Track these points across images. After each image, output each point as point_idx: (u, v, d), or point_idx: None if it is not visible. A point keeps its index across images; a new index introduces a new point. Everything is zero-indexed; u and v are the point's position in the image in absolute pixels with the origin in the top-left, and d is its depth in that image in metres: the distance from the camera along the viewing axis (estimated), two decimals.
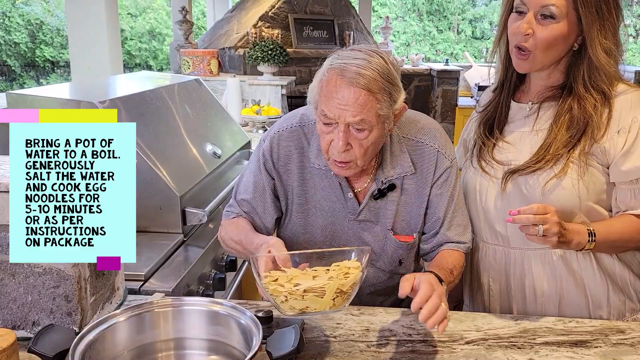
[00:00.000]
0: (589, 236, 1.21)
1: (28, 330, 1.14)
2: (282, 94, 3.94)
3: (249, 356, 0.79)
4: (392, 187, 1.31)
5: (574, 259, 1.31)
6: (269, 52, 3.88)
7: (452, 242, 1.34)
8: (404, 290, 1.06)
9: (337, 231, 1.36)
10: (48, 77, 14.27)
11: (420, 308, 1.01)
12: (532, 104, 1.35)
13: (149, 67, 14.33)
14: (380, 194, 1.31)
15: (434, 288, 1.05)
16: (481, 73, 5.74)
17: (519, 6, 1.25)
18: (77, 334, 0.83)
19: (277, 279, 1.01)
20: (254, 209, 1.40)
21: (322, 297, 0.96)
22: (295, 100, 4.09)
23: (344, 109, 1.14)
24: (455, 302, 1.59)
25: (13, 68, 13.99)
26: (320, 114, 1.19)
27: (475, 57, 13.24)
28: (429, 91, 5.39)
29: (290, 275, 1.01)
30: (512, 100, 1.39)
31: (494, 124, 1.39)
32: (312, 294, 0.96)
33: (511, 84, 1.39)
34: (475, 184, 1.38)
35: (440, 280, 1.18)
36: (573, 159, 1.25)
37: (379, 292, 1.43)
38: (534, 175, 1.28)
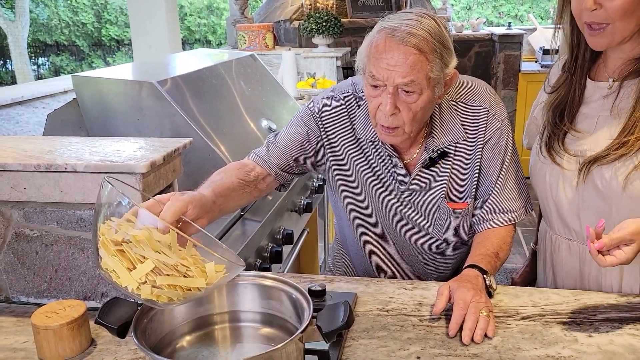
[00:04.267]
0: None
1: (97, 301, 1.22)
2: (337, 66, 3.91)
3: (298, 332, 0.81)
4: (443, 154, 1.29)
5: None
6: (324, 23, 3.84)
7: (502, 213, 1.31)
8: (438, 308, 1.09)
9: (388, 202, 1.36)
10: (114, 55, 14.80)
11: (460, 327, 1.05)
12: (612, 81, 1.19)
13: (208, 42, 14.57)
14: (432, 163, 1.29)
15: (467, 303, 1.06)
16: (546, 36, 5.46)
17: None
18: (139, 306, 0.88)
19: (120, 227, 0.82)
20: (279, 152, 1.32)
21: (130, 271, 0.79)
22: (350, 71, 4.05)
23: (393, 69, 1.12)
24: (527, 283, 1.53)
25: (82, 48, 14.59)
26: (369, 76, 1.17)
27: (541, 18, 12.57)
28: (490, 57, 5.19)
29: (144, 234, 0.80)
30: (587, 79, 1.23)
31: (564, 109, 1.24)
32: (118, 259, 0.79)
33: (584, 62, 1.22)
34: (545, 175, 1.27)
35: (484, 272, 1.17)
36: None
37: (434, 261, 1.42)
38: (612, 167, 1.14)
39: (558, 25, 1.24)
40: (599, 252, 1.00)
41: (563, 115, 1.24)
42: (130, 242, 0.80)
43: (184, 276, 0.80)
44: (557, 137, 1.24)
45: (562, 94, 1.26)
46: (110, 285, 1.21)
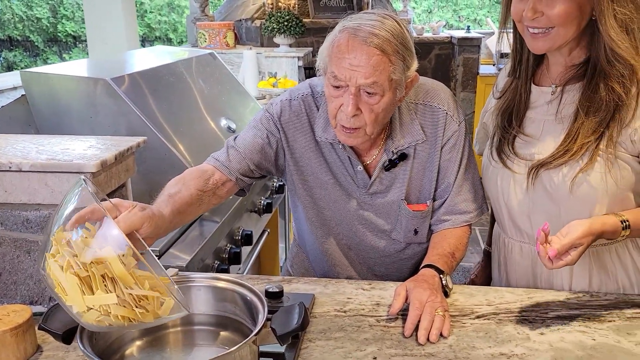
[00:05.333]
0: (622, 223, 1.12)
1: (45, 306, 1.18)
2: (299, 66, 3.90)
3: (252, 335, 0.79)
4: (403, 156, 1.29)
5: (607, 256, 1.23)
6: (285, 23, 3.82)
7: (459, 214, 1.32)
8: (395, 308, 1.09)
9: (348, 205, 1.35)
10: (70, 52, 14.36)
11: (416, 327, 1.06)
12: (555, 87, 1.22)
13: (169, 40, 14.31)
14: (392, 165, 1.29)
15: (423, 303, 1.07)
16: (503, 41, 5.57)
17: None
18: None
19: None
20: (240, 157, 1.28)
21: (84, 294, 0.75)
22: (312, 72, 4.04)
23: (356, 70, 1.11)
24: (487, 283, 1.54)
25: (36, 43, 14.11)
26: (330, 76, 1.15)
27: (498, 22, 12.84)
28: (450, 59, 5.27)
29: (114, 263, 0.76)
30: (532, 84, 1.26)
31: (512, 112, 1.26)
32: (77, 282, 0.74)
33: (528, 66, 1.25)
34: (497, 179, 1.28)
35: (440, 272, 1.18)
36: (600, 151, 1.13)
37: (394, 263, 1.42)
38: (559, 171, 1.17)
39: (503, 30, 1.26)
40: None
41: (511, 119, 1.26)
42: (98, 264, 0.75)
43: (137, 307, 0.77)
44: (507, 141, 1.26)
45: (509, 98, 1.28)
46: None
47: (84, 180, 0.81)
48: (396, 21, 1.16)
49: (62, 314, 0.83)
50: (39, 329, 0.82)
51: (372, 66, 1.11)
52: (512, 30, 1.24)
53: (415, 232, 1.35)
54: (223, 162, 1.28)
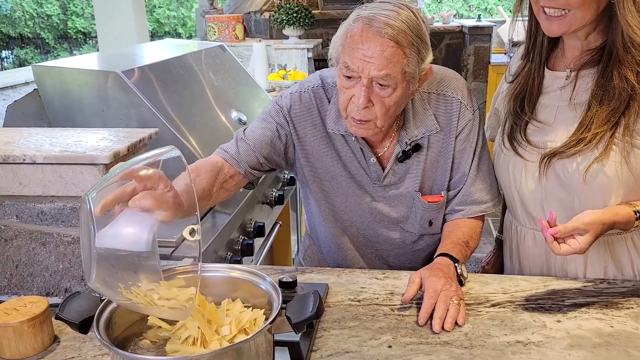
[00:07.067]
0: (636, 214, 1.11)
1: (61, 297, 1.19)
2: (308, 58, 3.89)
3: (267, 323, 0.79)
4: (417, 147, 1.28)
5: (622, 245, 1.22)
6: (294, 14, 3.81)
7: (474, 204, 1.31)
8: (408, 295, 1.08)
9: (361, 198, 1.34)
10: (81, 49, 14.44)
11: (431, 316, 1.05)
12: (570, 71, 1.19)
13: (178, 35, 14.33)
14: (405, 156, 1.28)
15: (438, 291, 1.06)
16: (516, 28, 5.51)
17: None
18: (102, 300, 0.85)
19: None
20: (250, 149, 1.27)
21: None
22: (322, 63, 4.03)
23: (369, 61, 1.09)
24: (499, 272, 1.54)
25: (47, 40, 14.21)
26: (342, 66, 1.13)
27: (509, 11, 12.70)
28: (461, 49, 5.22)
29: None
30: (545, 68, 1.25)
31: (525, 97, 1.24)
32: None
33: (542, 50, 1.23)
34: (508, 167, 1.27)
35: (455, 260, 1.18)
36: (616, 139, 1.11)
37: (407, 255, 1.41)
38: (573, 161, 1.15)
39: (516, 16, 1.24)
40: (555, 239, 1.03)
41: (524, 104, 1.24)
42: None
43: None
44: (519, 128, 1.24)
45: (521, 82, 1.26)
46: (74, 280, 1.18)
47: (178, 153, 0.84)
48: (412, 12, 1.13)
49: (78, 303, 0.83)
50: (55, 318, 0.83)
51: (385, 58, 1.09)
52: (526, 17, 1.22)
53: (430, 223, 1.34)
54: (232, 155, 1.27)
